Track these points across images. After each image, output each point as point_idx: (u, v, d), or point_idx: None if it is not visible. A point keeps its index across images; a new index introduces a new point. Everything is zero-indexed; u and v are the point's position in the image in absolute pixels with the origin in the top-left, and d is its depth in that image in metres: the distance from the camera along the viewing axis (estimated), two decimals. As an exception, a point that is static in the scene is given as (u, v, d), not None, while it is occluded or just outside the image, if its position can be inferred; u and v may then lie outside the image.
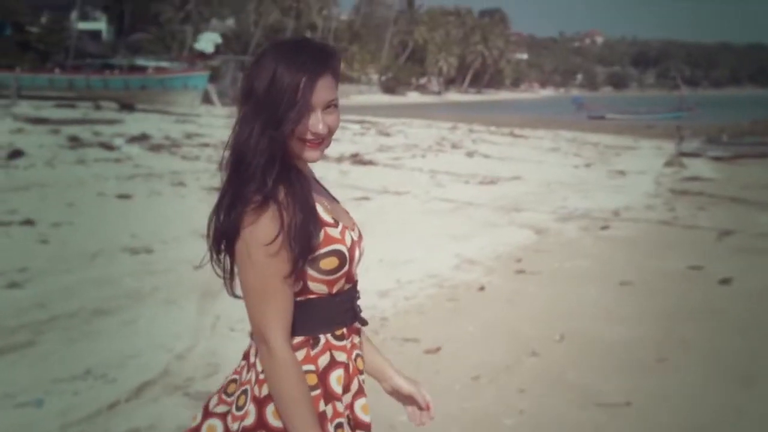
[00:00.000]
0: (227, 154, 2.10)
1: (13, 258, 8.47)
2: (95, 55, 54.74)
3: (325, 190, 2.30)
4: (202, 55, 48.18)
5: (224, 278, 2.20)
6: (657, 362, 6.41)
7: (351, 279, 2.21)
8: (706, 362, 6.43)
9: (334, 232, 2.14)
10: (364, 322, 2.29)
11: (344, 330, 2.20)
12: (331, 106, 2.09)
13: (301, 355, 2.12)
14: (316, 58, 2.07)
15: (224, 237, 2.09)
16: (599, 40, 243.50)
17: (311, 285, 2.12)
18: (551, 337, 6.97)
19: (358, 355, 2.24)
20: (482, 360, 6.37)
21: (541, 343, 6.80)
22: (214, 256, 2.16)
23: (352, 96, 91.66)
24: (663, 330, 7.29)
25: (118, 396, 5.15)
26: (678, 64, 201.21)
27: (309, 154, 2.10)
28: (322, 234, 2.10)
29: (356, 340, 2.25)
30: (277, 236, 2.00)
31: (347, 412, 2.19)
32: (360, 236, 2.26)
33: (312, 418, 2.04)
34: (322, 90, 2.06)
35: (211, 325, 6.72)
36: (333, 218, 2.16)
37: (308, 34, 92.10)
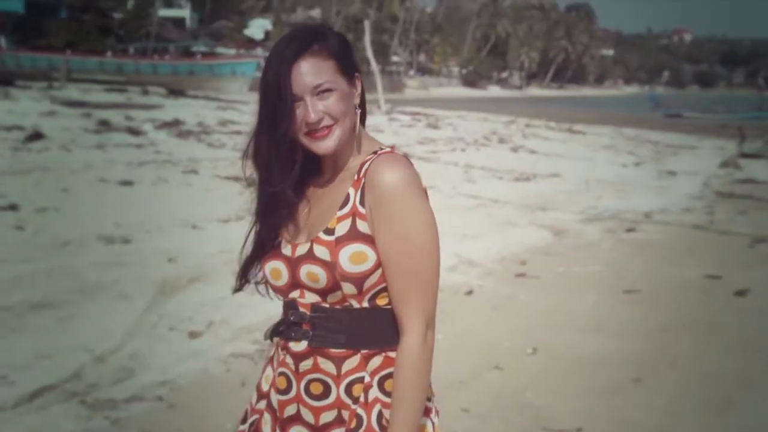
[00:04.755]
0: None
1: (-21, 244, 8.20)
2: (176, 41, 55.46)
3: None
4: (252, 42, 48.13)
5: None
6: (631, 382, 5.80)
7: (281, 294, 2.10)
8: (685, 385, 5.79)
9: None
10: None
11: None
12: (325, 90, 1.94)
13: None
14: (295, 42, 1.95)
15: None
16: (688, 37, 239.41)
17: None
18: (524, 351, 6.38)
19: (313, 380, 2.05)
20: (439, 373, 5.72)
21: (510, 357, 6.23)
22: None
23: (431, 88, 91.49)
24: (653, 345, 6.66)
25: (6, 401, 4.74)
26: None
27: (316, 146, 1.97)
28: None
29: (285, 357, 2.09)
30: None
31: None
32: (290, 254, 2.04)
33: None
34: (305, 75, 1.92)
35: (152, 324, 6.32)
36: None
37: (389, 26, 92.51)
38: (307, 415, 2.06)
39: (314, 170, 2.09)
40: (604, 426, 5.01)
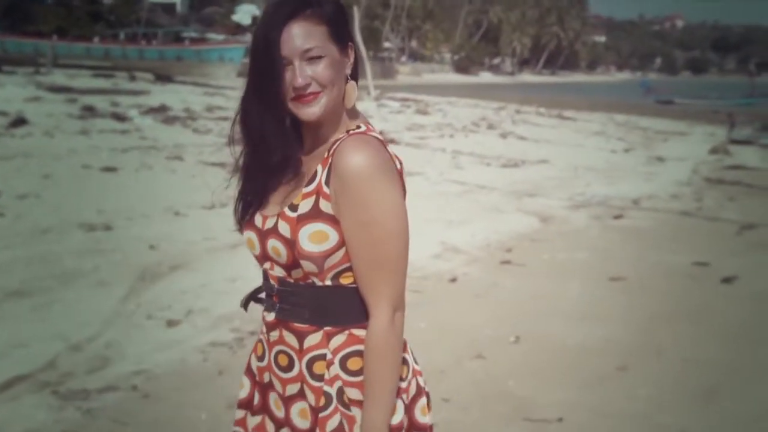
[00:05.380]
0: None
1: (-42, 231, 8.08)
2: (166, 27, 55.14)
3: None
4: (240, 28, 47.85)
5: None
6: (616, 371, 5.71)
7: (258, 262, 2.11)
8: (671, 373, 5.71)
9: None
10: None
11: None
12: (315, 56, 1.89)
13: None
14: (287, 5, 1.90)
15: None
16: (680, 23, 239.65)
17: None
18: (506, 339, 6.30)
19: (279, 352, 2.07)
20: (419, 361, 5.70)
21: (493, 345, 6.14)
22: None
23: (423, 74, 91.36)
24: (639, 333, 6.58)
25: (-25, 392, 4.64)
26: (760, 49, 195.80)
27: (302, 111, 1.93)
28: None
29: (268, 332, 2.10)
30: None
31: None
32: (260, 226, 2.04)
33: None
34: (295, 38, 1.88)
35: (130, 312, 6.22)
36: None
37: (380, 12, 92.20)
38: (277, 385, 2.09)
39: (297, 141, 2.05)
40: (586, 416, 4.93)
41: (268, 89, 1.91)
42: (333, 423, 2.01)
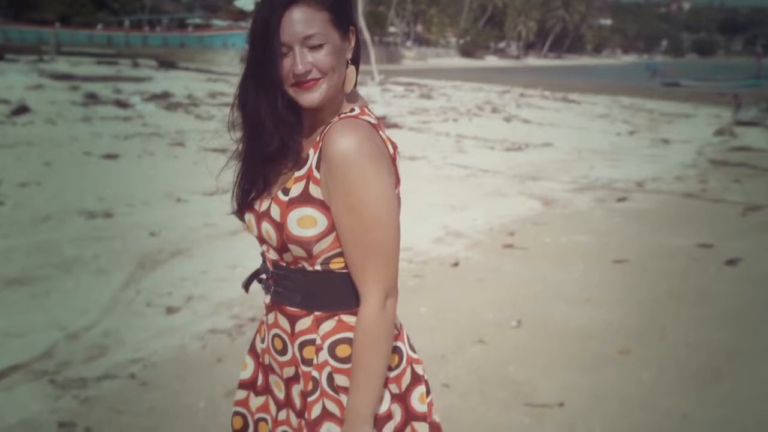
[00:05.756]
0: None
1: (-41, 219, 8.05)
2: (171, 14, 55.05)
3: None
4: (243, 14, 47.75)
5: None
6: (618, 355, 5.66)
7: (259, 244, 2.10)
8: (674, 356, 5.65)
9: None
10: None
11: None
12: (316, 43, 1.86)
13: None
14: None
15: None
16: (686, 5, 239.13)
17: None
18: (508, 323, 6.25)
19: (275, 335, 2.08)
20: (419, 347, 5.61)
21: (494, 330, 6.10)
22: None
23: (429, 59, 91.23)
24: (642, 316, 6.52)
25: (-29, 381, 4.61)
26: (767, 31, 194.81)
27: (302, 97, 1.90)
28: None
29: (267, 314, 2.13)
30: None
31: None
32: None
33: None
34: (296, 24, 1.84)
35: (130, 300, 6.19)
36: None
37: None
38: (275, 367, 2.11)
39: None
40: (587, 401, 4.88)
41: (266, 75, 1.88)
42: (317, 409, 2.01)
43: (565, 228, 9.64)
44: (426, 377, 2.16)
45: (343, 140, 1.86)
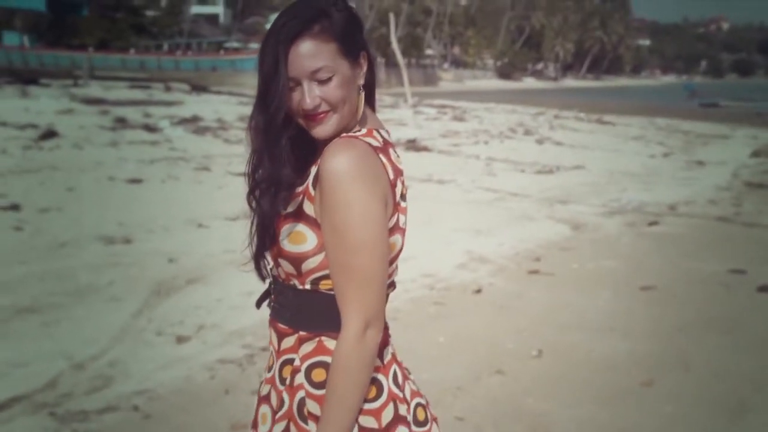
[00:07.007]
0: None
1: (-24, 245, 8.02)
2: (209, 38, 55.70)
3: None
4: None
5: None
6: (640, 387, 5.45)
7: None
8: (698, 389, 5.43)
9: None
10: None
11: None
12: (325, 77, 1.82)
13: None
14: (295, 21, 1.81)
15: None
16: (725, 26, 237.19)
17: None
18: (528, 353, 6.06)
19: (270, 352, 2.06)
20: (435, 378, 5.48)
21: (514, 360, 5.91)
22: None
23: (466, 81, 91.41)
24: (667, 346, 6.30)
25: (-31, 414, 4.51)
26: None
27: (313, 130, 1.88)
28: None
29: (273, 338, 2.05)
30: None
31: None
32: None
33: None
34: (303, 58, 1.80)
35: (140, 328, 6.07)
36: None
37: (422, 18, 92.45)
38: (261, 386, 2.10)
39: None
40: (605, 435, 4.69)
41: (269, 108, 1.85)
42: (279, 428, 1.97)
43: (593, 253, 9.43)
44: (431, 415, 2.08)
45: (333, 159, 1.80)
